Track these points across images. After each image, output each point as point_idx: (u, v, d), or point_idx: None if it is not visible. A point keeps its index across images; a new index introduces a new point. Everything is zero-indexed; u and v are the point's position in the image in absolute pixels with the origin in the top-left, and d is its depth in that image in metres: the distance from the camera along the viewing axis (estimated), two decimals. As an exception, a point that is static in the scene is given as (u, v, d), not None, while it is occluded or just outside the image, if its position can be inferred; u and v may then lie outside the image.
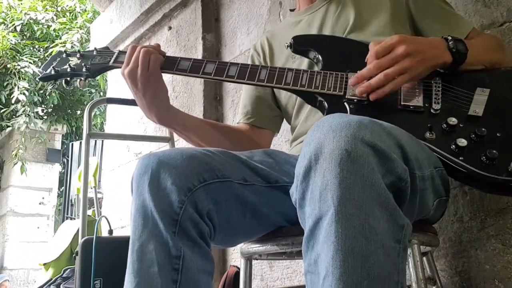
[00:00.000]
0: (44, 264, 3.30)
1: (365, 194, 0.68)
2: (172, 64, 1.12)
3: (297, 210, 0.77)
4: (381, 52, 0.96)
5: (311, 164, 0.72)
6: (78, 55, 1.20)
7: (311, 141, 0.73)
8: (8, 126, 6.89)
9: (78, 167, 5.97)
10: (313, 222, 0.70)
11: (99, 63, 1.18)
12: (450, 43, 1.00)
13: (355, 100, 1.00)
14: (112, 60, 1.17)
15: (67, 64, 1.18)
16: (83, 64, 1.17)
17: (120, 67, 1.13)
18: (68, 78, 1.19)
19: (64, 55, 1.22)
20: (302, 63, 1.23)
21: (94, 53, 1.20)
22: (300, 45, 1.16)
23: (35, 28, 6.81)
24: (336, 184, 0.68)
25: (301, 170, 0.74)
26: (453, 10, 1.23)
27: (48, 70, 1.19)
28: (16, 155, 6.56)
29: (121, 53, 1.18)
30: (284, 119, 1.39)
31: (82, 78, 1.18)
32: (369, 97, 0.98)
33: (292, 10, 1.43)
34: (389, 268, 0.67)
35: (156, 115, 1.13)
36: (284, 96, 1.29)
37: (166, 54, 1.15)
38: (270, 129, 1.36)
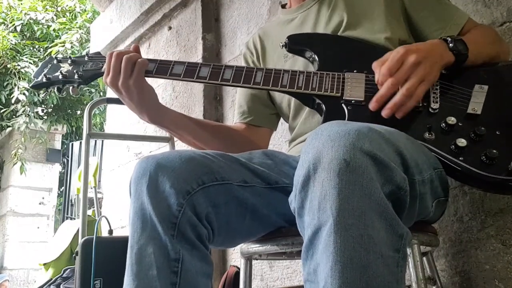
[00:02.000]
0: (44, 264, 3.31)
1: (364, 204, 0.67)
2: (165, 69, 1.10)
3: (296, 219, 0.76)
4: (393, 68, 0.93)
5: (310, 173, 0.71)
6: (69, 61, 1.18)
7: (309, 150, 0.73)
8: (8, 126, 6.90)
9: (78, 167, 5.97)
10: (312, 232, 0.69)
11: (91, 69, 1.16)
12: (450, 44, 1.00)
13: (352, 101, 0.99)
14: (104, 66, 1.14)
15: (59, 71, 1.16)
16: (75, 70, 1.16)
17: None
18: (60, 86, 1.17)
19: (55, 61, 1.20)
20: (295, 62, 1.21)
21: (86, 59, 1.18)
22: (296, 44, 1.14)
23: (35, 28, 6.81)
24: (334, 194, 0.67)
25: (299, 179, 0.73)
26: (447, 1, 1.21)
27: (40, 78, 1.17)
28: (15, 154, 6.55)
29: None
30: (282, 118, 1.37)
31: (75, 85, 1.16)
32: (396, 116, 0.93)
33: (283, 6, 1.39)
34: (388, 278, 0.66)
35: (147, 115, 1.11)
36: (278, 95, 1.28)
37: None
38: (268, 127, 1.35)
